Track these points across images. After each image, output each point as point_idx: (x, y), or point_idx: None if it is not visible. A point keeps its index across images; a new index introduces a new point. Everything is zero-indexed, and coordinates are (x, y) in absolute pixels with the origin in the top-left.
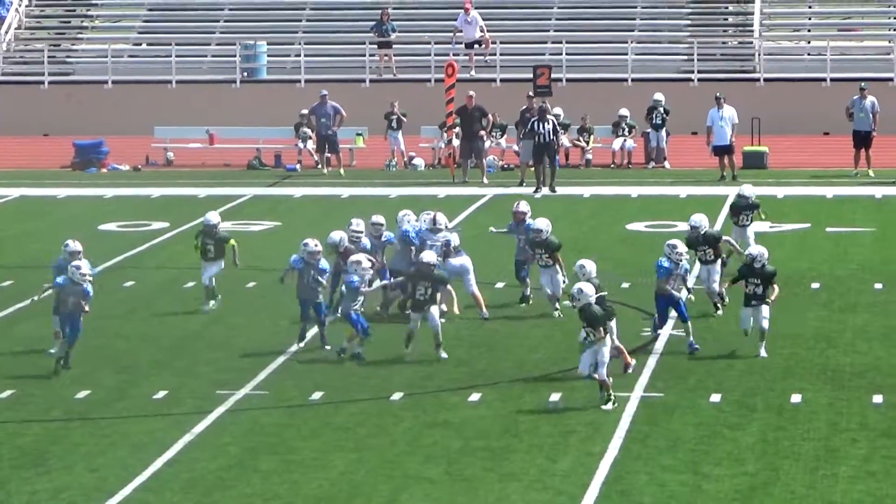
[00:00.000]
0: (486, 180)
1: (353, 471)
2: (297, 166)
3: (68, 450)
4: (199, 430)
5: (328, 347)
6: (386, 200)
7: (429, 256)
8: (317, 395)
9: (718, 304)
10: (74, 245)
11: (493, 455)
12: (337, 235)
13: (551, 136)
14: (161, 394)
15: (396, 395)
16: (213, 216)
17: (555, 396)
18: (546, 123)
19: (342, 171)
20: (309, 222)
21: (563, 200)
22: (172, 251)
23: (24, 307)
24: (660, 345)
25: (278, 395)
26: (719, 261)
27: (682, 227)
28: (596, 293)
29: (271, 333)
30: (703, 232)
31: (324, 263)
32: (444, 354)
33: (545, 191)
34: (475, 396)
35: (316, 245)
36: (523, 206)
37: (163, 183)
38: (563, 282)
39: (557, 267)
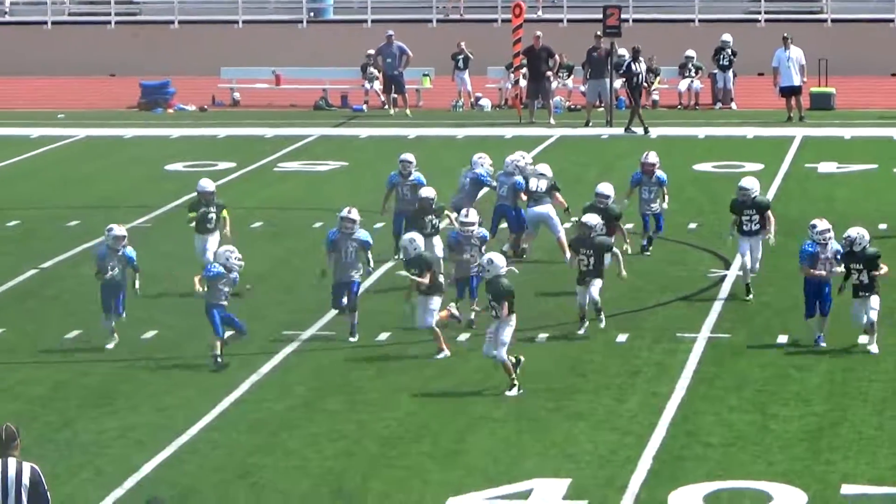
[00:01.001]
0: (552, 121)
1: (419, 411)
2: (364, 107)
3: (136, 389)
4: (265, 370)
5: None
6: (452, 141)
7: (592, 219)
8: (383, 336)
9: (751, 288)
10: (119, 230)
11: (559, 395)
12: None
13: (644, 77)
14: (228, 334)
15: (463, 336)
16: (208, 183)
17: (622, 337)
18: (640, 63)
19: (408, 111)
20: (375, 163)
21: (631, 141)
22: (239, 191)
23: (90, 248)
24: (727, 286)
25: (345, 336)
26: (765, 233)
27: (750, 167)
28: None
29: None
30: (752, 196)
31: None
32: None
33: (639, 131)
34: (542, 337)
35: (350, 212)
36: (652, 158)
37: (229, 123)
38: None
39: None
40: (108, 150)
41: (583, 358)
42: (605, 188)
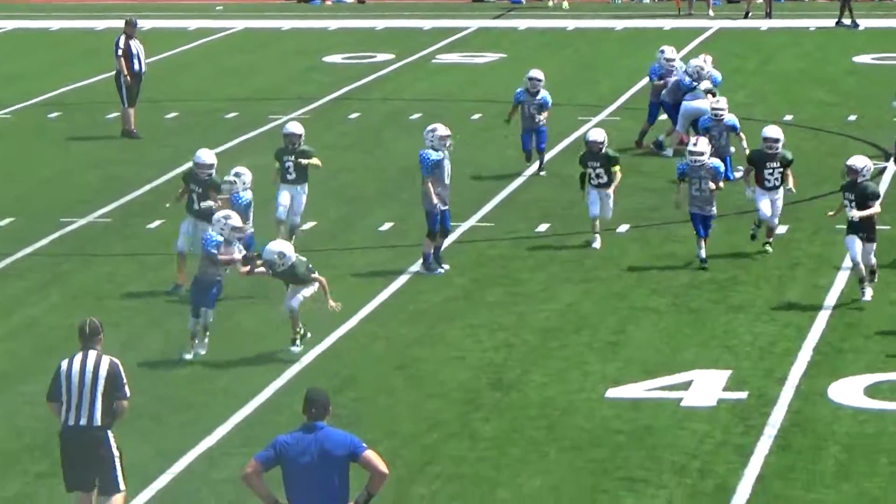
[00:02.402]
0: (711, 13)
1: (580, 302)
2: None
3: None
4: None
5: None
6: (611, 33)
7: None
8: (542, 227)
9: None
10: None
11: (719, 287)
12: None
13: None
14: (387, 226)
15: (623, 228)
16: (294, 126)
17: (781, 229)
18: None
19: (566, 3)
20: (533, 55)
21: (789, 33)
22: (398, 83)
23: (248, 139)
24: (887, 177)
25: (504, 227)
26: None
27: None
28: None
29: (499, 164)
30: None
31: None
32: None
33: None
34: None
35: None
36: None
37: (387, 15)
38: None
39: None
40: (266, 42)
41: (742, 249)
42: (773, 132)
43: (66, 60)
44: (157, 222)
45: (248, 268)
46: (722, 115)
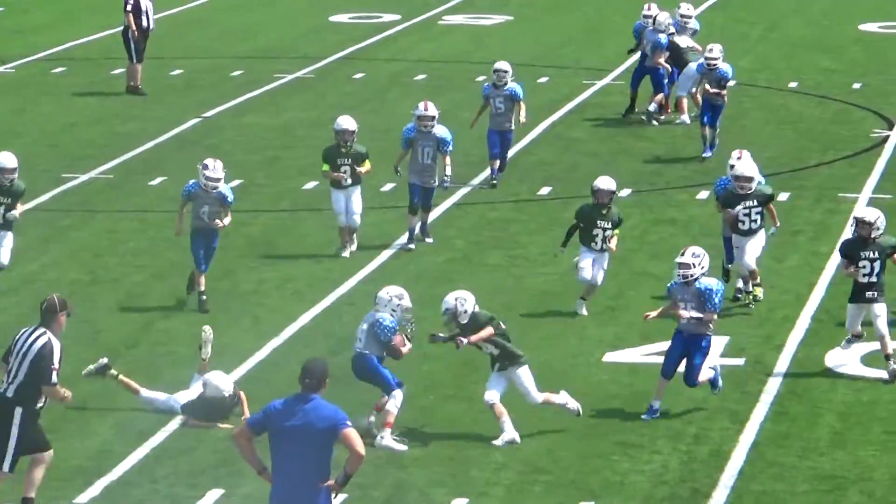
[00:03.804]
0: None
1: None
2: None
3: (296, 241)
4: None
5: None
6: None
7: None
8: (545, 191)
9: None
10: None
11: (720, 253)
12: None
13: None
14: (388, 186)
15: (624, 192)
16: (347, 121)
17: (783, 196)
18: None
19: None
20: (540, 17)
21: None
22: (404, 43)
23: (252, 98)
24: (890, 146)
25: (506, 190)
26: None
27: None
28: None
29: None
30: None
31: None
32: None
33: None
34: (703, 194)
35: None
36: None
37: None
38: None
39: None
40: (273, 1)
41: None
42: (744, 167)
43: (73, 15)
44: (159, 179)
45: None
46: (716, 64)
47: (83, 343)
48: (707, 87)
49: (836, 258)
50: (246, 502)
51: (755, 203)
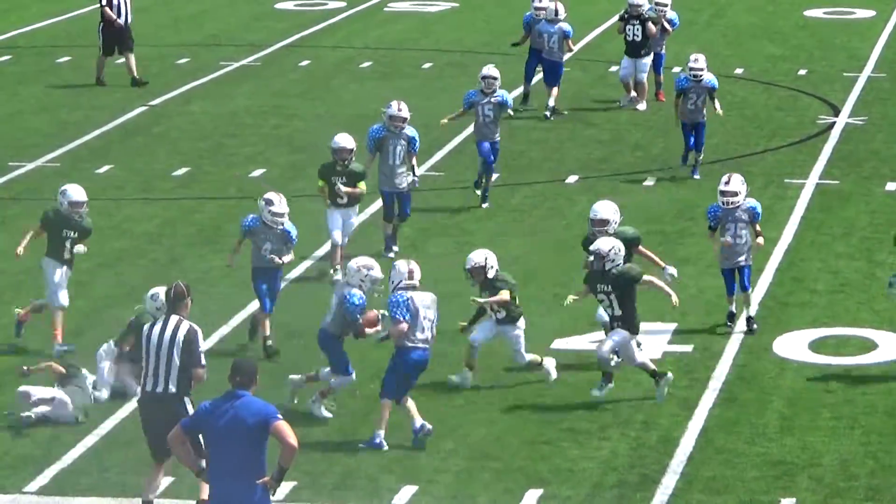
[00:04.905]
0: None
1: (527, 253)
2: None
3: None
4: (374, 209)
5: None
6: None
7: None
8: (494, 177)
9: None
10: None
11: (667, 239)
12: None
13: None
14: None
15: (571, 178)
16: (345, 139)
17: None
18: None
19: None
20: (486, 4)
21: None
22: (349, 31)
23: (199, 85)
24: (836, 132)
25: (453, 177)
26: None
27: (862, 14)
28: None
29: (449, 112)
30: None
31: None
32: None
33: None
34: (650, 181)
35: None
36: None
37: None
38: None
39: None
40: None
41: (691, 202)
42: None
43: (17, 3)
44: (106, 167)
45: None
46: (700, 76)
47: (30, 331)
48: (687, 105)
49: (784, 244)
50: (196, 489)
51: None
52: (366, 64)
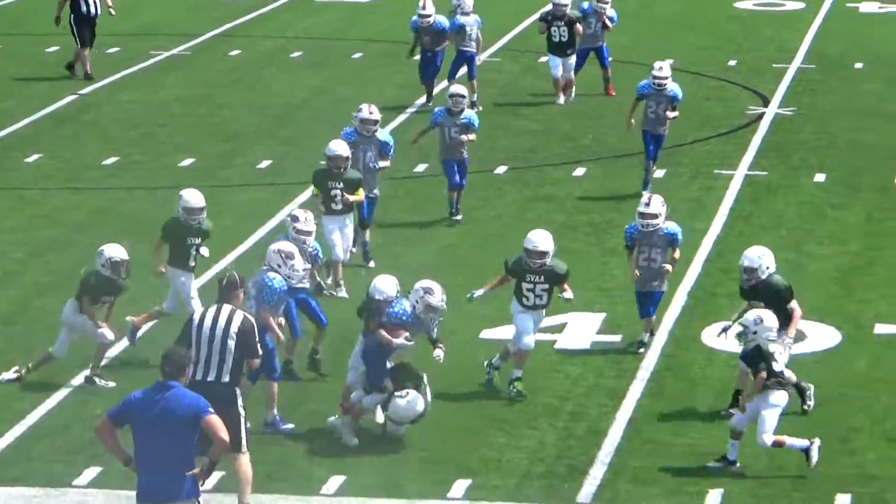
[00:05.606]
0: None
1: (457, 243)
2: None
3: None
4: (301, 199)
5: None
6: None
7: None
8: (421, 168)
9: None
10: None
11: (596, 230)
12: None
13: None
14: (265, 163)
15: (500, 169)
16: (340, 147)
17: (659, 173)
18: None
19: None
20: None
21: None
22: (280, 21)
23: (129, 74)
24: (765, 123)
25: (387, 173)
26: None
27: (792, 6)
28: None
29: (379, 102)
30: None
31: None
32: None
33: None
34: (580, 171)
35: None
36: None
37: None
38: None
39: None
40: None
41: (620, 192)
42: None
43: None
44: (35, 156)
45: None
46: (664, 85)
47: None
48: (647, 113)
49: (712, 235)
50: (124, 480)
51: (542, 278)
52: (296, 54)
